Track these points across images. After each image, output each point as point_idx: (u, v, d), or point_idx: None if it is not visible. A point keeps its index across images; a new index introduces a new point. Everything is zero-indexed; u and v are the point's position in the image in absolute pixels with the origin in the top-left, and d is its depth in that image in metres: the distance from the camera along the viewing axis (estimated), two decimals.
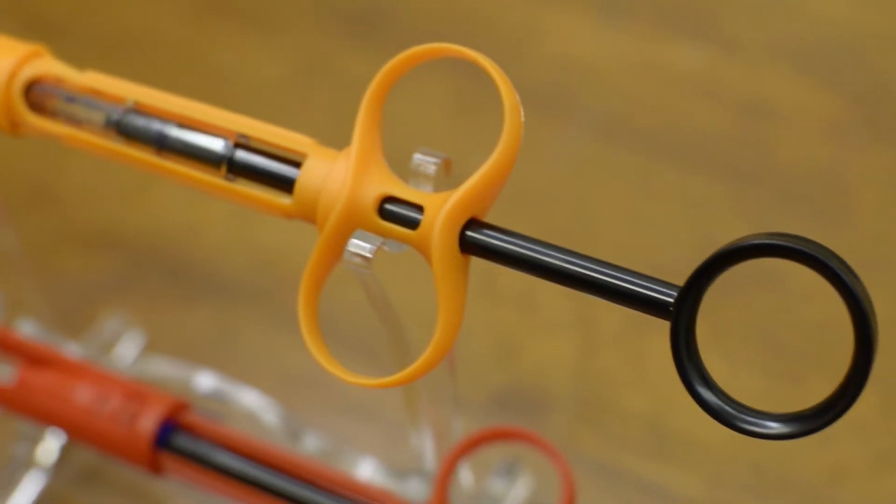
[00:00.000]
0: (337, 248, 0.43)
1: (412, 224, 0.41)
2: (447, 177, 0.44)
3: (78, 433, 0.56)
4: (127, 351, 0.69)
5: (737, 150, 0.79)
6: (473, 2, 0.89)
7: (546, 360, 0.69)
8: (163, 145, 0.45)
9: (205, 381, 0.61)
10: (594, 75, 0.84)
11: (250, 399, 0.59)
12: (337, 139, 0.81)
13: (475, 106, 0.82)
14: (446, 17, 0.88)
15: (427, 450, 0.53)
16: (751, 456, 0.65)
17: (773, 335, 0.70)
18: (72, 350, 0.63)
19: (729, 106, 0.81)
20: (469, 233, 0.41)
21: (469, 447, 0.52)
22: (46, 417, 0.57)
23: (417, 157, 0.43)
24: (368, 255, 0.41)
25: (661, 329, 0.63)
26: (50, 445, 0.65)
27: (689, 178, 0.77)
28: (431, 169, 0.43)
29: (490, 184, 0.41)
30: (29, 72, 0.48)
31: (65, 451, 0.66)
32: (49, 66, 0.48)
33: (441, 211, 0.40)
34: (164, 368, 0.62)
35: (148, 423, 0.54)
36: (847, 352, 0.34)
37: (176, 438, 0.55)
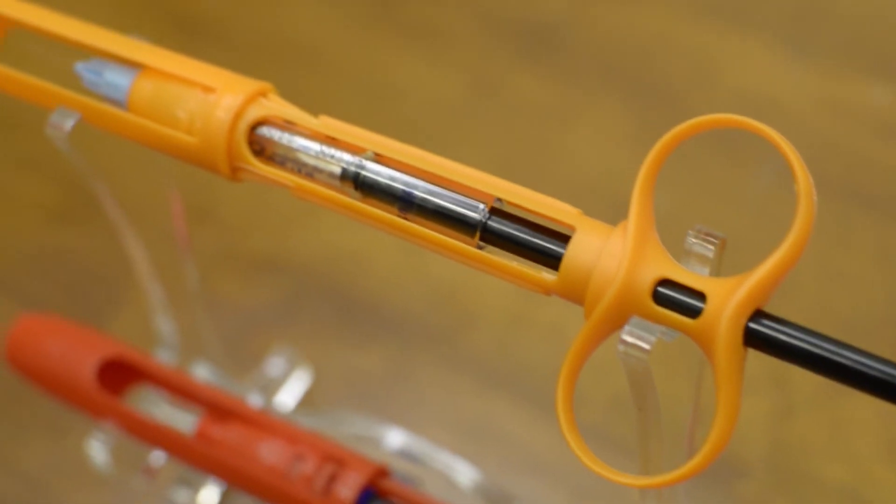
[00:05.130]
0: (604, 332, 0.39)
1: (692, 312, 0.37)
2: (721, 257, 0.40)
3: (264, 494, 0.53)
4: (293, 392, 0.65)
5: None
6: (650, 24, 0.85)
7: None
8: (408, 205, 0.41)
9: (394, 438, 0.57)
10: (777, 112, 0.79)
11: (444, 461, 0.56)
12: (506, 163, 0.77)
13: (654, 136, 0.77)
14: (622, 40, 0.84)
15: None
16: None
17: None
18: (254, 400, 0.59)
19: None
20: (753, 325, 0.37)
21: None
22: (228, 475, 0.54)
23: (693, 235, 0.39)
24: (648, 346, 0.37)
25: (862, 394, 0.59)
26: (211, 492, 0.61)
27: (885, 229, 0.73)
28: (710, 251, 0.39)
29: (781, 273, 0.37)
30: (255, 112, 0.44)
31: (225, 498, 0.62)
32: (277, 106, 0.44)
33: (730, 301, 0.36)
34: (347, 422, 0.58)
35: (347, 490, 0.51)
36: None
37: None
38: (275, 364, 0.66)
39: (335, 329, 0.70)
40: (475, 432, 0.65)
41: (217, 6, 0.89)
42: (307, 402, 0.66)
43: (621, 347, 0.38)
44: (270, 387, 0.65)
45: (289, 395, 0.65)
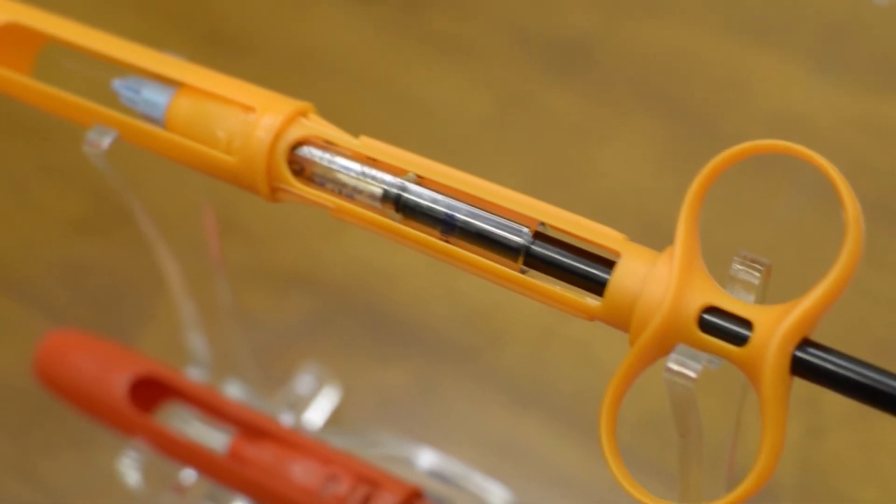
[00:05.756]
0: (649, 359, 0.39)
1: (738, 340, 0.37)
2: (767, 284, 0.39)
3: None
4: (321, 409, 0.64)
5: None
6: (682, 41, 0.84)
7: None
8: (450, 228, 0.41)
9: (425, 458, 0.57)
10: (810, 131, 0.79)
11: (477, 482, 0.55)
12: (535, 180, 0.77)
13: (685, 154, 0.77)
14: (653, 57, 0.83)
15: None
16: None
17: None
18: (285, 418, 0.59)
19: None
20: (800, 354, 0.37)
21: None
22: (260, 494, 0.53)
23: (738, 262, 0.39)
24: (694, 375, 0.37)
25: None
26: None
27: None
28: (755, 278, 0.39)
29: (830, 301, 0.37)
30: (295, 132, 0.44)
31: None
32: (317, 126, 0.44)
33: (777, 329, 0.36)
34: (378, 441, 0.58)
35: None
36: None
37: None
38: (303, 381, 0.65)
39: (363, 345, 0.70)
40: (504, 450, 0.64)
41: (245, 20, 0.89)
42: (335, 419, 0.65)
43: (666, 375, 0.37)
44: (299, 404, 0.64)
45: (317, 413, 0.65)
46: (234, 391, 0.60)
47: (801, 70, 0.83)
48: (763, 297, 0.39)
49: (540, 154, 0.79)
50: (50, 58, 0.50)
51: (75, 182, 0.79)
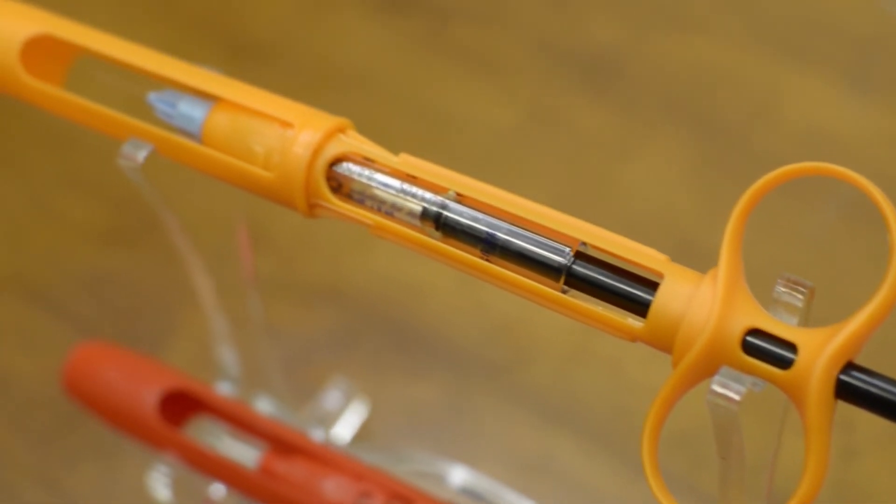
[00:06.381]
0: (692, 381, 0.38)
1: (783, 363, 0.37)
2: (810, 306, 0.39)
3: None
4: (349, 424, 0.64)
5: None
6: (711, 56, 0.84)
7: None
8: (491, 247, 0.41)
9: (457, 475, 0.56)
10: (840, 149, 0.78)
11: (509, 499, 0.55)
12: (563, 195, 0.77)
13: (714, 170, 0.77)
14: (682, 71, 0.83)
15: None
16: None
17: None
18: (315, 433, 0.58)
19: None
20: (845, 378, 0.36)
21: None
22: None
23: (781, 284, 0.38)
24: (737, 397, 0.37)
25: None
26: None
27: None
28: (799, 300, 0.38)
29: (875, 325, 0.36)
30: (333, 148, 0.43)
31: None
32: (356, 143, 0.44)
33: (823, 353, 0.36)
34: (409, 457, 0.58)
35: None
36: None
37: None
38: (331, 396, 0.65)
39: (391, 360, 0.69)
40: (535, 468, 0.64)
41: (272, 31, 0.89)
42: (363, 435, 0.65)
43: (710, 397, 0.37)
44: (327, 419, 0.64)
45: (345, 428, 0.64)
46: (263, 406, 0.60)
47: (830, 86, 0.82)
48: (806, 320, 0.39)
49: (567, 169, 0.78)
50: (83, 70, 0.50)
51: (101, 193, 0.79)
